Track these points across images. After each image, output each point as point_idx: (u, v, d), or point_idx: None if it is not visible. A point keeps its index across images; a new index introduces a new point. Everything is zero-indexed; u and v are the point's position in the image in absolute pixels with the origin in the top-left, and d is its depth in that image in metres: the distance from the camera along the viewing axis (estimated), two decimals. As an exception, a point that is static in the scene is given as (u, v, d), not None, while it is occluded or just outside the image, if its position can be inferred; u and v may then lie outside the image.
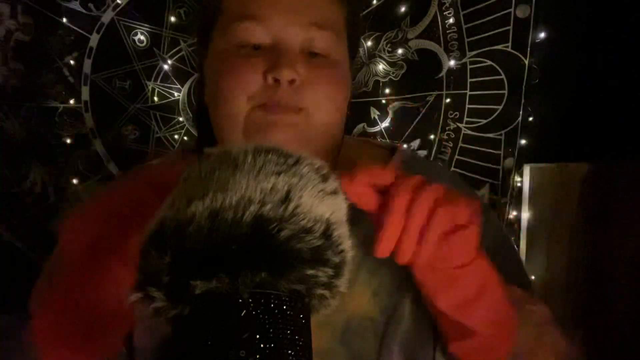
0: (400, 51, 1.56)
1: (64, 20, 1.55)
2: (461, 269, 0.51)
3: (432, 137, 1.60)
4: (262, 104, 0.58)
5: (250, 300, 0.34)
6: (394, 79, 1.58)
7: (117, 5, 1.56)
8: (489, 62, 1.54)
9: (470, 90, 1.56)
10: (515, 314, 0.57)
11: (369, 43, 1.57)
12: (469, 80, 1.56)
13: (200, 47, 0.67)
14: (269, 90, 0.57)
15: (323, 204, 0.39)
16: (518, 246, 1.61)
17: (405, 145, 1.57)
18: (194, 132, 1.63)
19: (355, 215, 0.44)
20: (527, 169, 1.58)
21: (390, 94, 1.59)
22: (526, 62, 1.52)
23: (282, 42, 0.59)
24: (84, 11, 1.55)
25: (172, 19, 1.56)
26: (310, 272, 0.36)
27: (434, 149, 1.60)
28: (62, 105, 1.60)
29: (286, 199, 0.38)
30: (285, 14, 0.59)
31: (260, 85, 0.58)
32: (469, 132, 1.58)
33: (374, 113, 1.60)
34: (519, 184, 1.59)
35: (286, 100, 0.58)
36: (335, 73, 0.61)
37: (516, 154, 1.57)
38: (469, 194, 0.76)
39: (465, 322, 0.55)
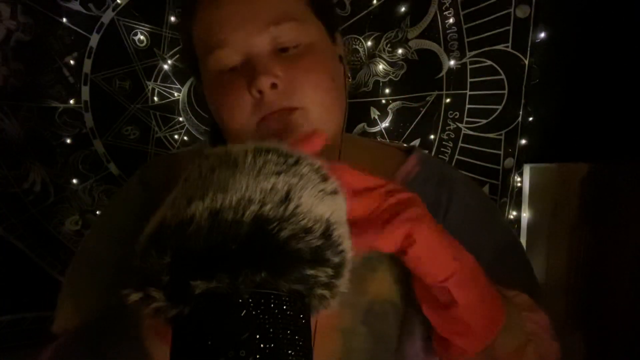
0: (400, 51, 1.56)
1: (64, 20, 1.55)
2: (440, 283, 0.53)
3: (432, 137, 1.60)
4: (262, 118, 0.59)
5: (250, 300, 0.34)
6: (394, 79, 1.58)
7: (117, 5, 1.56)
8: (489, 62, 1.54)
9: (470, 90, 1.56)
10: (497, 322, 0.57)
11: (369, 43, 1.57)
12: (469, 80, 1.56)
13: (195, 80, 0.70)
14: (260, 103, 0.59)
15: (323, 204, 0.39)
16: (518, 246, 1.61)
17: (398, 143, 1.57)
18: (194, 132, 1.63)
19: None
20: (527, 169, 1.58)
21: (390, 94, 1.59)
22: (526, 62, 1.52)
23: (251, 55, 0.60)
24: (84, 11, 1.55)
25: (172, 19, 1.56)
26: (310, 272, 0.36)
27: (434, 149, 1.60)
28: (62, 105, 1.60)
29: (286, 199, 0.38)
30: (240, 29, 0.60)
31: (251, 102, 0.59)
32: (469, 132, 1.58)
33: (374, 113, 1.60)
34: (518, 184, 1.59)
35: (278, 104, 0.59)
36: (311, 59, 0.61)
37: (516, 154, 1.57)
38: (478, 194, 0.77)
39: (435, 326, 0.58)
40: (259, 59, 0.59)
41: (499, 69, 1.54)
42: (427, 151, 1.61)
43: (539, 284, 0.74)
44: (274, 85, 0.58)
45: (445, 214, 0.69)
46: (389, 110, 1.60)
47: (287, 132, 0.59)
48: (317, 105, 0.60)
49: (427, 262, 0.52)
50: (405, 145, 0.80)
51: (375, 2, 1.53)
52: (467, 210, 0.70)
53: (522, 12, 1.50)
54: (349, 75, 0.71)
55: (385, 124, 1.60)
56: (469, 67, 1.55)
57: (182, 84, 1.61)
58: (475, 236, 0.69)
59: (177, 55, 1.59)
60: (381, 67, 1.58)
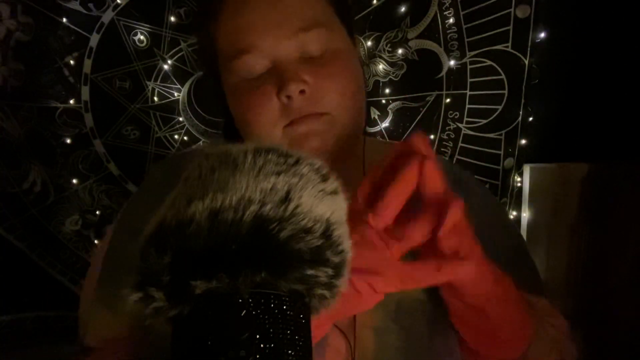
0: (400, 51, 1.56)
1: (64, 20, 1.55)
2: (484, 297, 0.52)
3: (432, 137, 1.60)
4: (289, 123, 0.61)
5: (250, 300, 0.34)
6: (394, 79, 1.58)
7: (117, 5, 1.56)
8: (489, 62, 1.54)
9: (470, 90, 1.56)
10: (530, 331, 0.58)
11: (369, 43, 1.57)
12: (469, 80, 1.56)
13: (213, 81, 0.70)
14: (288, 108, 0.60)
15: (323, 204, 0.39)
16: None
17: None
18: (194, 132, 1.63)
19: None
20: (527, 169, 1.58)
21: (390, 94, 1.59)
22: (526, 62, 1.52)
23: (279, 60, 0.61)
24: (84, 11, 1.55)
25: (172, 19, 1.56)
26: (310, 272, 0.36)
27: (434, 149, 1.60)
28: (62, 105, 1.60)
29: (286, 199, 0.38)
30: (269, 34, 0.60)
31: (279, 107, 0.61)
32: (469, 132, 1.58)
33: (374, 113, 1.60)
34: (518, 184, 1.59)
35: (307, 109, 0.60)
36: (337, 65, 0.62)
37: (516, 154, 1.57)
38: (488, 195, 0.78)
39: (468, 340, 0.58)
40: (287, 65, 0.60)
41: (499, 69, 1.54)
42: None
43: (543, 287, 0.75)
44: (302, 92, 0.59)
45: None
46: (389, 110, 1.60)
47: (313, 137, 0.60)
48: (343, 110, 0.61)
49: (473, 285, 0.51)
50: None
51: (375, 2, 1.53)
52: (480, 211, 0.71)
53: (522, 12, 1.50)
54: (366, 77, 0.73)
55: (385, 124, 1.60)
56: (469, 67, 1.55)
57: (182, 84, 1.61)
58: (488, 237, 0.69)
59: (177, 55, 1.59)
60: (381, 67, 1.58)
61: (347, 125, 0.62)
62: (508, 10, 1.50)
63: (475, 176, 1.58)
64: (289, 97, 0.59)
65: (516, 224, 1.59)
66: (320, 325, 0.44)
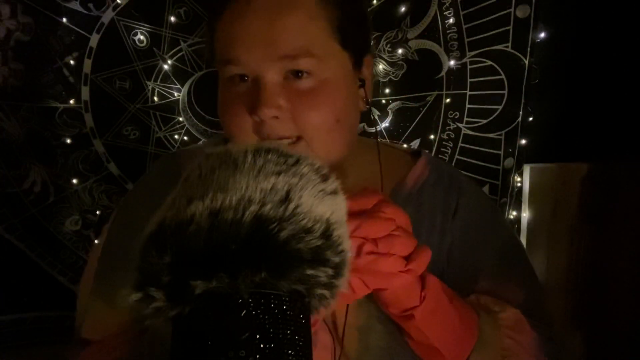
0: (400, 51, 1.56)
1: (64, 20, 1.55)
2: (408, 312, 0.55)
3: (432, 137, 1.59)
4: (264, 138, 0.61)
5: (250, 300, 0.34)
6: (394, 79, 1.58)
7: (117, 5, 1.55)
8: (489, 62, 1.54)
9: (470, 90, 1.56)
10: (469, 343, 0.60)
11: (369, 43, 1.56)
12: (469, 80, 1.56)
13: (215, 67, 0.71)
14: (260, 126, 0.60)
15: (323, 204, 0.39)
16: (518, 246, 1.60)
17: (405, 146, 1.57)
18: (194, 132, 1.63)
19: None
20: (527, 169, 1.58)
21: (390, 94, 1.59)
22: (526, 62, 1.52)
23: (260, 79, 0.61)
24: (84, 11, 1.55)
25: (172, 19, 1.56)
26: (310, 272, 0.37)
27: (434, 149, 1.60)
28: (62, 105, 1.60)
29: (286, 199, 0.38)
30: (256, 52, 0.60)
31: (252, 123, 0.61)
32: (469, 132, 1.58)
33: (374, 113, 1.60)
34: (518, 184, 1.58)
35: (281, 133, 0.60)
36: (320, 97, 0.61)
37: (516, 154, 1.57)
38: (483, 197, 0.79)
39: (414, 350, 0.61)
40: (267, 87, 0.60)
41: (499, 69, 1.54)
42: (427, 151, 1.61)
43: (540, 284, 0.75)
44: (276, 117, 0.60)
45: (453, 216, 0.70)
46: (389, 110, 1.60)
47: None
48: (318, 139, 0.62)
49: (396, 296, 0.54)
50: (410, 147, 0.82)
51: (375, 2, 1.53)
52: (473, 213, 0.71)
53: (522, 12, 1.50)
54: (368, 99, 0.71)
55: (385, 124, 1.60)
56: (469, 67, 1.55)
57: (182, 84, 1.61)
58: (480, 238, 0.70)
59: (177, 55, 1.59)
60: (381, 67, 1.58)
61: (321, 152, 0.62)
62: (508, 10, 1.50)
63: (475, 176, 1.59)
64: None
65: (516, 224, 1.59)
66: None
